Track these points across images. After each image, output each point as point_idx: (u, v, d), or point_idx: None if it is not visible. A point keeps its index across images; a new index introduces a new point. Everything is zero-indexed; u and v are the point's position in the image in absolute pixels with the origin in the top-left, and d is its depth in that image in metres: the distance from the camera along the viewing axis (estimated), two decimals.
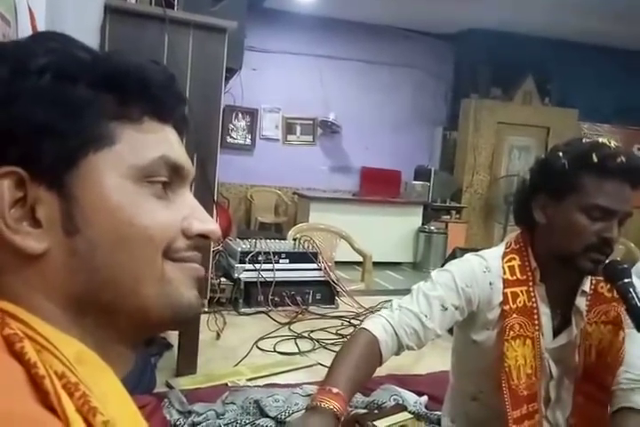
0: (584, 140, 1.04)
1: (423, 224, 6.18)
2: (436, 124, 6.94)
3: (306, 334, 1.92)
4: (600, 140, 1.02)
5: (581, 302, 1.08)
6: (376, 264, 3.52)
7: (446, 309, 1.03)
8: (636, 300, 0.92)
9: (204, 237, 0.43)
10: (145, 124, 0.41)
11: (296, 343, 1.85)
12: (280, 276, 2.17)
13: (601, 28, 5.85)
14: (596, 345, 1.06)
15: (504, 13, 5.65)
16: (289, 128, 6.60)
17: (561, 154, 1.02)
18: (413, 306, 1.03)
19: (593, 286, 1.08)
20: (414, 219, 6.19)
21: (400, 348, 1.01)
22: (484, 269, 1.07)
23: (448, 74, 6.89)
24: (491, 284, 1.06)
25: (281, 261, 2.23)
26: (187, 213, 0.42)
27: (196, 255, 0.43)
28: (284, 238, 2.73)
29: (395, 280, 5.37)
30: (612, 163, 0.96)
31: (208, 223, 0.43)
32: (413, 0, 5.57)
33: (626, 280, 0.95)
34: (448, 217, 6.33)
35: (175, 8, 1.52)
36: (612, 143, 1.00)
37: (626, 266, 0.97)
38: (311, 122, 6.60)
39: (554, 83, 6.42)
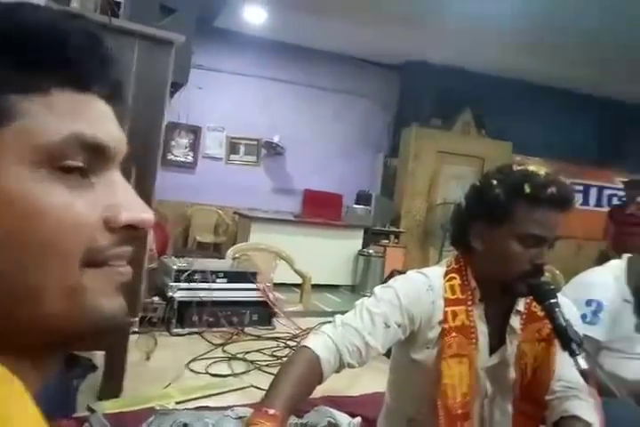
0: (514, 168, 1.07)
1: (363, 248, 6.25)
2: (378, 150, 7.10)
3: (240, 356, 1.87)
4: (530, 168, 1.05)
5: (515, 321, 1.11)
6: (315, 286, 3.51)
7: (389, 326, 1.02)
8: (561, 319, 0.96)
9: (133, 228, 0.35)
10: (55, 95, 0.33)
11: (230, 365, 1.80)
12: (216, 295, 2.12)
13: (532, 67, 6.25)
14: (532, 363, 1.09)
15: (448, 48, 5.94)
16: (233, 148, 6.56)
17: (495, 182, 1.05)
18: (357, 323, 1.02)
19: (527, 306, 1.11)
20: (354, 242, 6.25)
21: (341, 366, 1.00)
22: (427, 288, 1.08)
23: (392, 103, 7.11)
24: (433, 302, 1.07)
25: (218, 280, 2.18)
26: (112, 200, 0.35)
27: (124, 251, 0.36)
28: (223, 258, 2.68)
29: (333, 302, 5.36)
30: (543, 193, 1.00)
31: (138, 210, 0.36)
32: (363, 29, 5.75)
33: (552, 300, 0.99)
34: (387, 241, 6.44)
35: (119, 18, 1.49)
36: (543, 171, 1.04)
37: (552, 287, 1.01)
38: (255, 142, 6.60)
39: (490, 116, 6.76)
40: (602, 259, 5.69)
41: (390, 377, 1.21)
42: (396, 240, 6.55)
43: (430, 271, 1.13)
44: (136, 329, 1.79)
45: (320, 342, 0.99)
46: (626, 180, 5.74)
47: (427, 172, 6.68)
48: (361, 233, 6.29)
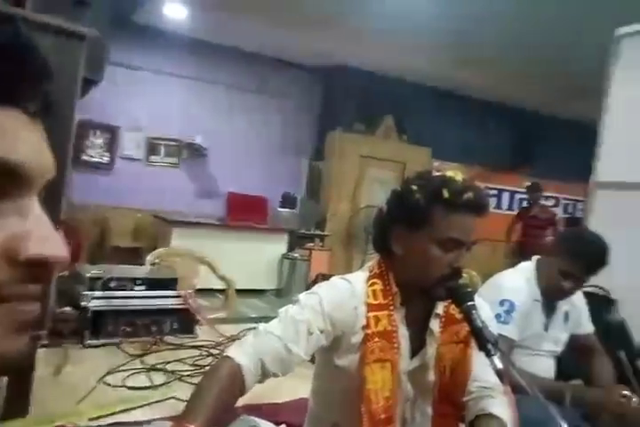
0: (434, 174, 1.11)
1: (288, 251, 6.24)
2: (303, 153, 7.13)
3: (160, 366, 1.79)
4: (448, 174, 1.09)
5: (435, 324, 1.14)
6: (240, 291, 3.45)
7: (312, 333, 1.02)
8: (478, 321, 0.99)
9: (40, 264, 0.31)
10: None
11: (149, 377, 1.72)
12: (134, 304, 2.02)
13: (452, 76, 6.54)
14: (450, 365, 1.12)
15: (369, 54, 6.07)
16: (152, 148, 6.33)
17: (415, 188, 1.07)
18: (280, 331, 1.01)
19: (445, 309, 1.14)
20: (279, 246, 6.22)
21: (265, 375, 0.98)
22: (350, 294, 1.09)
23: (316, 106, 7.16)
24: (356, 308, 1.08)
25: (136, 288, 2.08)
26: (20, 230, 0.31)
27: (31, 290, 0.31)
28: (142, 264, 2.56)
29: (258, 308, 5.31)
30: (461, 198, 1.03)
31: (48, 244, 0.31)
32: (285, 30, 5.75)
33: (470, 303, 1.02)
34: (312, 244, 6.47)
35: (24, 8, 1.38)
36: (460, 177, 1.08)
37: (470, 290, 1.05)
38: (176, 144, 6.41)
39: (411, 121, 6.98)
40: (514, 259, 6.02)
41: (314, 383, 1.21)
42: (321, 243, 6.60)
43: (353, 277, 1.14)
44: (45, 342, 1.66)
45: (242, 352, 0.96)
46: (528, 183, 6.11)
47: (351, 175, 6.79)
48: (286, 236, 6.28)
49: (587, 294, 2.02)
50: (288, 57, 6.72)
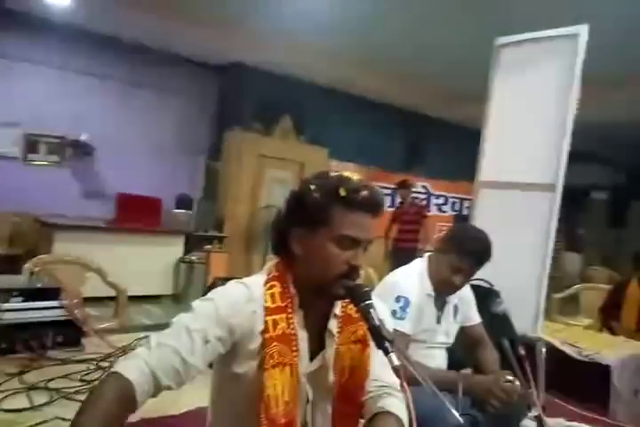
0: (331, 174, 1.11)
1: (184, 254, 6.04)
2: (200, 152, 6.94)
3: (42, 385, 1.63)
4: (345, 174, 1.10)
5: (333, 324, 1.14)
6: (133, 298, 3.27)
7: (209, 341, 0.98)
8: (376, 320, 1.01)
9: None
10: None
11: (29, 397, 1.56)
12: (10, 318, 1.83)
13: (350, 78, 6.69)
14: (349, 365, 1.12)
15: (270, 54, 6.04)
16: (31, 146, 5.82)
17: (312, 187, 1.07)
18: (173, 341, 0.95)
19: (343, 309, 1.15)
20: (175, 249, 6.00)
21: (158, 389, 0.93)
22: (248, 298, 1.06)
23: (213, 104, 7.00)
24: (253, 312, 1.05)
25: (12, 299, 1.88)
26: None
27: None
28: (19, 273, 2.34)
29: (154, 315, 5.08)
30: (357, 197, 1.05)
31: None
32: (184, 27, 5.55)
33: (367, 302, 1.03)
34: (210, 247, 6.31)
35: None
36: (356, 177, 1.10)
37: (367, 289, 1.06)
38: (59, 141, 5.95)
39: (308, 122, 7.05)
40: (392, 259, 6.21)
41: (212, 393, 1.16)
42: (219, 246, 6.45)
43: (250, 281, 1.11)
44: None
45: (132, 367, 0.90)
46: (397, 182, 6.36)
47: (249, 175, 6.72)
48: (182, 239, 6.07)
49: (473, 287, 2.15)
50: (185, 53, 6.50)
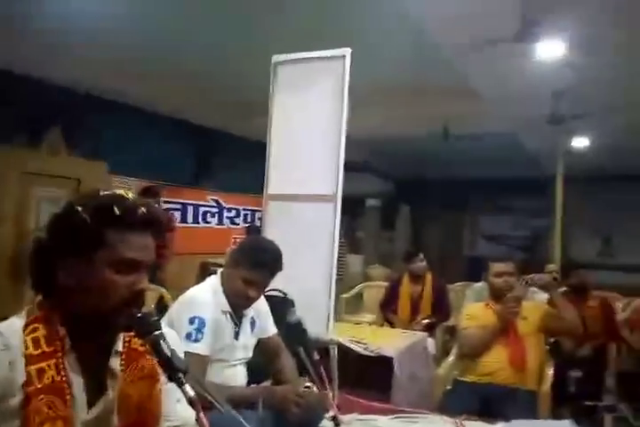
0: (102, 193, 1.01)
1: None
2: None
3: None
4: (118, 192, 1.01)
5: (115, 362, 1.02)
6: None
7: None
8: (166, 351, 0.92)
9: None
10: None
11: None
12: None
13: (128, 89, 6.30)
14: (136, 405, 1.01)
15: (37, 60, 5.33)
16: None
17: (80, 209, 0.95)
18: None
19: (126, 344, 1.03)
20: None
21: None
22: (2, 347, 0.89)
23: None
24: (10, 363, 0.88)
25: None
26: None
27: None
28: None
29: None
30: (133, 215, 0.96)
31: None
32: None
33: (156, 333, 0.94)
34: None
35: None
36: (130, 195, 1.01)
37: (156, 318, 0.97)
38: None
39: (83, 135, 6.45)
40: (203, 272, 6.15)
41: None
42: None
43: (4, 326, 0.93)
44: None
45: None
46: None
47: (12, 195, 5.85)
48: None
49: (268, 298, 2.17)
50: None
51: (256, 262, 1.86)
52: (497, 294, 2.78)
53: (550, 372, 2.71)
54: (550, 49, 3.79)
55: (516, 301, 2.65)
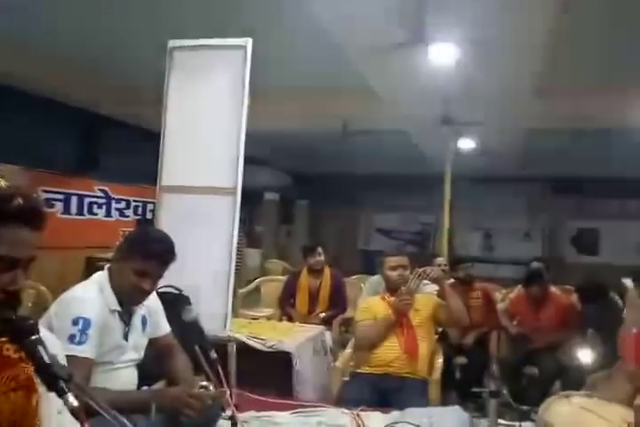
0: None
1: None
2: None
3: None
4: None
5: None
6: None
7: None
8: (46, 357, 0.82)
9: None
10: None
11: None
12: None
13: (5, 69, 5.70)
14: (9, 419, 0.89)
15: None
16: None
17: None
18: None
19: None
20: None
21: None
22: None
23: None
24: None
25: None
26: None
27: None
28: None
29: None
30: (7, 207, 0.86)
31: None
32: None
33: (33, 337, 0.83)
34: None
35: None
36: (3, 183, 0.89)
37: (32, 322, 0.86)
38: None
39: None
40: (90, 267, 5.77)
41: None
42: None
43: None
44: None
45: None
46: None
47: None
48: None
49: (160, 295, 2.06)
50: None
51: (148, 252, 1.75)
52: (392, 287, 2.86)
53: (440, 360, 2.85)
54: (444, 52, 3.98)
55: (410, 293, 2.74)
